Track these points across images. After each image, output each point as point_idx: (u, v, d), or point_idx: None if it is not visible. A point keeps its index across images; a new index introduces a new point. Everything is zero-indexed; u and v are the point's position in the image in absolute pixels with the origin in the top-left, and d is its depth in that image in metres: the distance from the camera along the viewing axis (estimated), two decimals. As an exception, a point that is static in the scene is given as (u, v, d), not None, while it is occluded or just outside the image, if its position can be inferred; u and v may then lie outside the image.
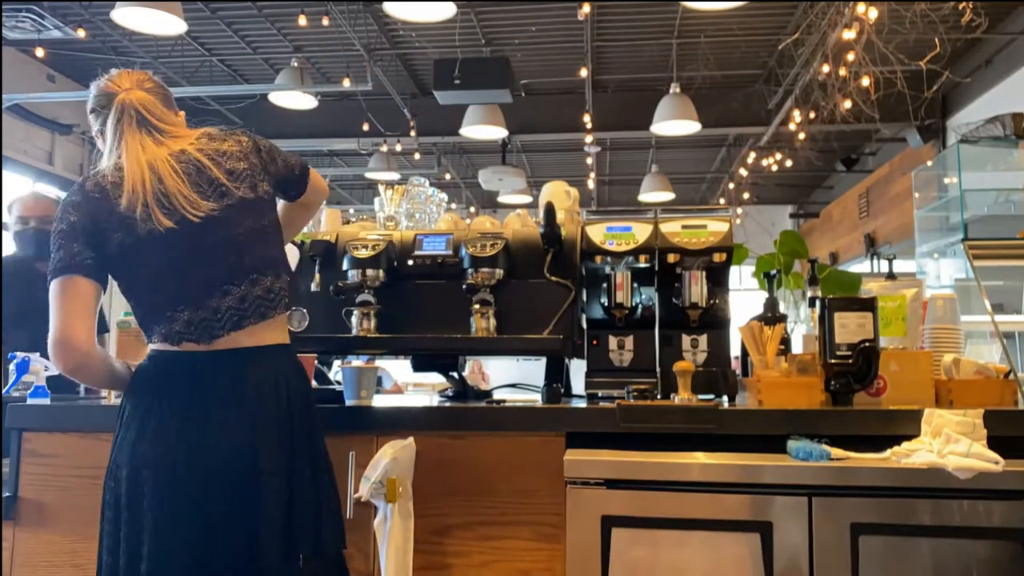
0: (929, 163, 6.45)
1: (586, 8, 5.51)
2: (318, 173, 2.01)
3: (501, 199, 9.53)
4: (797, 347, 2.41)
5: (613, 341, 2.28)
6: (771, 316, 2.31)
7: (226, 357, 1.69)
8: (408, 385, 6.32)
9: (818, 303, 2.02)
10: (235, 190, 1.74)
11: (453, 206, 10.18)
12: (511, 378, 2.76)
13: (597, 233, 2.28)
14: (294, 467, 1.68)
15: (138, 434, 1.64)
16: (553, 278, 2.25)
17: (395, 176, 8.13)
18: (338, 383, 2.40)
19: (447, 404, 2.16)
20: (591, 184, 9.87)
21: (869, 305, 1.98)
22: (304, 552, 1.66)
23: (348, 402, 2.06)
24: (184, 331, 1.68)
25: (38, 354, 2.45)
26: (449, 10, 4.51)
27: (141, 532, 1.59)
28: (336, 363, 2.59)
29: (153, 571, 1.57)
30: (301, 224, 2.10)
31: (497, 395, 2.44)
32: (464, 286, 2.26)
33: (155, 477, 1.60)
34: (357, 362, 2.43)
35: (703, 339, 2.24)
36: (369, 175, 8.47)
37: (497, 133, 6.81)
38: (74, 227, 1.69)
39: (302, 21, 5.75)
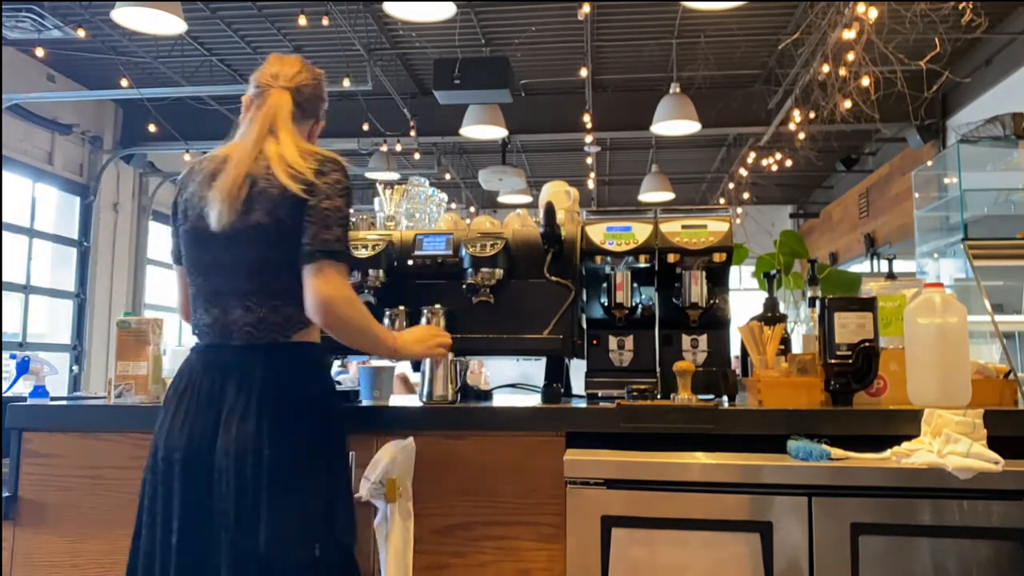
0: (929, 163, 6.45)
1: (586, 8, 5.51)
2: (336, 285, 1.72)
3: (501, 199, 9.51)
4: (797, 347, 2.41)
5: (613, 341, 2.28)
6: (771, 316, 2.31)
7: (241, 353, 1.73)
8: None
9: (818, 303, 2.02)
10: (254, 212, 1.72)
11: (453, 206, 10.18)
12: (511, 378, 2.76)
13: (597, 233, 2.28)
14: (304, 461, 1.69)
15: (171, 421, 1.72)
16: (553, 278, 2.25)
17: (395, 176, 8.12)
18: (338, 383, 2.40)
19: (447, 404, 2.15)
20: (591, 184, 9.86)
21: (869, 305, 1.98)
22: (318, 541, 1.68)
23: (364, 401, 2.09)
24: (209, 329, 1.77)
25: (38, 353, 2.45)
26: (449, 10, 4.51)
27: (171, 509, 1.67)
28: (336, 363, 2.58)
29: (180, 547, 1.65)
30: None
31: (497, 395, 2.44)
32: (464, 286, 2.26)
33: (183, 460, 1.67)
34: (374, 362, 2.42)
35: (703, 339, 2.24)
36: (369, 175, 8.46)
37: (497, 133, 6.80)
38: (174, 206, 1.85)
39: (302, 21, 5.75)
